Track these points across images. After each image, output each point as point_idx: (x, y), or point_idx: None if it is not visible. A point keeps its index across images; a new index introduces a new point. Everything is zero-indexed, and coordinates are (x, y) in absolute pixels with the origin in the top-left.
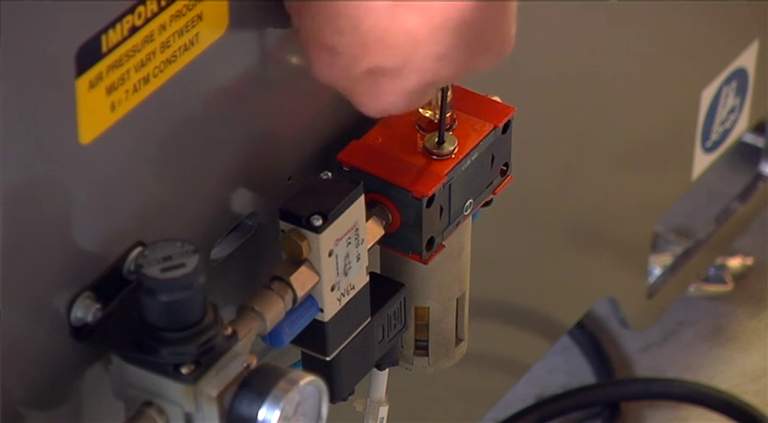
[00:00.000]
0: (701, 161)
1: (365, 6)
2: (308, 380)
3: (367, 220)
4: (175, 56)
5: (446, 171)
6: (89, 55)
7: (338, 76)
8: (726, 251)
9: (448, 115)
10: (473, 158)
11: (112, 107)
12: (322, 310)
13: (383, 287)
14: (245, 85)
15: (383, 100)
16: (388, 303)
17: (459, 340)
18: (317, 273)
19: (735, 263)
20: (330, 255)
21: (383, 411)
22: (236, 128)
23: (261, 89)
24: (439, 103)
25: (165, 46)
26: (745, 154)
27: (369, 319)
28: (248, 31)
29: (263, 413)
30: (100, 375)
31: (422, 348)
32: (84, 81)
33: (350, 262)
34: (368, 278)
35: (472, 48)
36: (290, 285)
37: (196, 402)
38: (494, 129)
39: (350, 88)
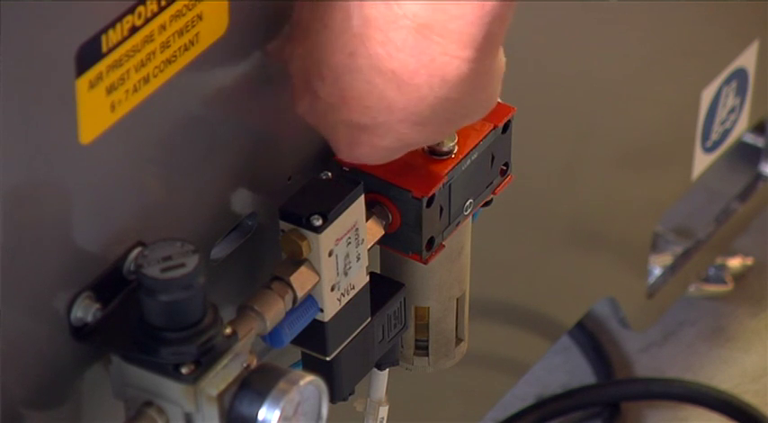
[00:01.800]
0: (701, 161)
1: (346, 65)
2: (308, 380)
3: (367, 220)
4: (175, 56)
5: (446, 171)
6: (89, 55)
7: (317, 119)
8: (726, 251)
9: None
10: (473, 158)
11: (112, 107)
12: (322, 310)
13: (383, 287)
14: (245, 85)
15: (358, 150)
16: (388, 303)
17: (459, 340)
18: (317, 273)
19: (735, 263)
20: (330, 255)
21: (383, 411)
22: (236, 128)
23: (261, 89)
24: None
25: (165, 46)
26: (745, 154)
27: (369, 319)
28: (248, 31)
29: (263, 413)
30: (100, 375)
31: (422, 348)
32: (84, 81)
33: (350, 262)
34: (368, 278)
35: (451, 119)
36: (290, 285)
37: (196, 402)
38: (494, 128)
39: (327, 133)
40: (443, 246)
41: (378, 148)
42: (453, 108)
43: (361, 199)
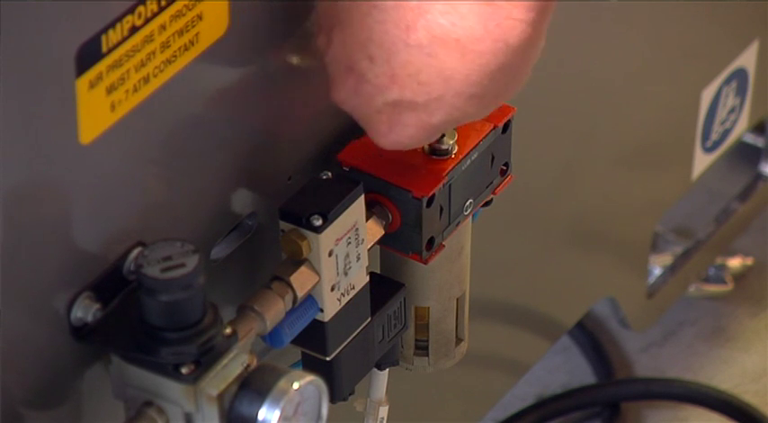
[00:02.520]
0: (701, 161)
1: (403, 41)
2: (308, 380)
3: (367, 220)
4: (175, 56)
5: (446, 171)
6: (89, 55)
7: (359, 103)
8: (726, 251)
9: None
10: (473, 158)
11: (112, 107)
12: (322, 310)
13: (383, 287)
14: (245, 85)
15: (402, 133)
16: (388, 303)
17: (459, 340)
18: (317, 273)
19: (735, 263)
20: (330, 255)
21: (383, 411)
22: (237, 128)
23: (261, 89)
24: None
25: (165, 46)
26: (745, 154)
27: (369, 319)
28: (248, 31)
29: (263, 413)
30: (100, 375)
31: (422, 348)
32: (84, 81)
33: (350, 262)
34: (368, 278)
35: (502, 89)
36: (290, 285)
37: (196, 402)
38: (494, 128)
39: (369, 116)
40: (443, 246)
41: (425, 127)
42: (507, 77)
43: (361, 199)
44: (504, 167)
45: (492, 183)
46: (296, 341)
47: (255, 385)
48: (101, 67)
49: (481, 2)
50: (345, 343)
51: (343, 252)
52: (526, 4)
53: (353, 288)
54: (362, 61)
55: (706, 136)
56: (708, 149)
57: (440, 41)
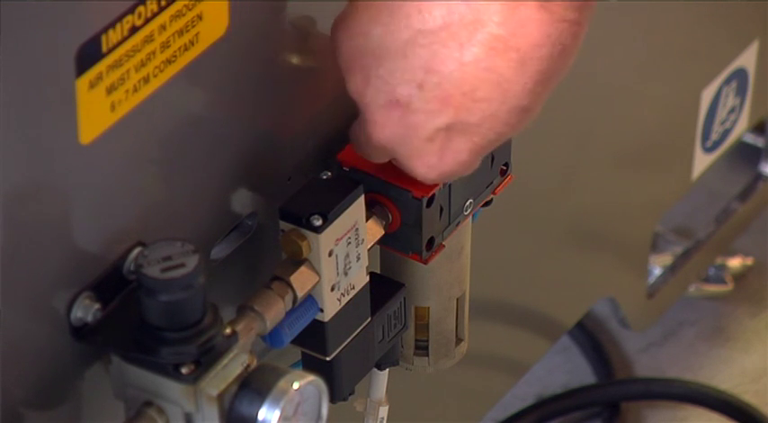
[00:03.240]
0: (701, 161)
1: (456, 59)
2: (308, 380)
3: (367, 220)
4: (175, 56)
5: None
6: (89, 55)
7: (405, 135)
8: (726, 251)
9: None
10: None
11: (112, 107)
12: (322, 310)
13: (383, 287)
14: (245, 85)
15: (452, 160)
16: (388, 303)
17: (459, 340)
18: (317, 273)
19: (735, 263)
20: (330, 255)
21: (383, 411)
22: (236, 128)
23: (261, 89)
24: None
25: (165, 46)
26: (745, 154)
27: (369, 319)
28: (248, 31)
29: (263, 413)
30: (100, 375)
31: (422, 348)
32: (84, 81)
33: (350, 262)
34: (368, 278)
35: (546, 96)
36: (290, 285)
37: (196, 402)
38: None
39: (417, 148)
40: (443, 246)
41: (475, 150)
42: (556, 81)
43: (361, 199)
44: (504, 167)
45: (492, 183)
46: (296, 341)
47: (255, 385)
48: (101, 67)
49: (540, 9)
50: (345, 343)
51: (343, 252)
52: (576, 5)
53: (353, 288)
54: (409, 90)
55: (706, 136)
56: (708, 149)
57: (498, 53)
